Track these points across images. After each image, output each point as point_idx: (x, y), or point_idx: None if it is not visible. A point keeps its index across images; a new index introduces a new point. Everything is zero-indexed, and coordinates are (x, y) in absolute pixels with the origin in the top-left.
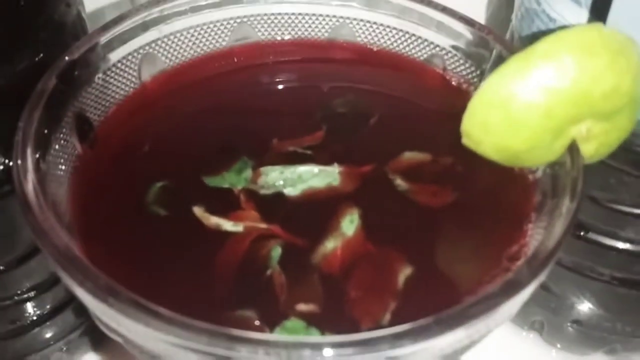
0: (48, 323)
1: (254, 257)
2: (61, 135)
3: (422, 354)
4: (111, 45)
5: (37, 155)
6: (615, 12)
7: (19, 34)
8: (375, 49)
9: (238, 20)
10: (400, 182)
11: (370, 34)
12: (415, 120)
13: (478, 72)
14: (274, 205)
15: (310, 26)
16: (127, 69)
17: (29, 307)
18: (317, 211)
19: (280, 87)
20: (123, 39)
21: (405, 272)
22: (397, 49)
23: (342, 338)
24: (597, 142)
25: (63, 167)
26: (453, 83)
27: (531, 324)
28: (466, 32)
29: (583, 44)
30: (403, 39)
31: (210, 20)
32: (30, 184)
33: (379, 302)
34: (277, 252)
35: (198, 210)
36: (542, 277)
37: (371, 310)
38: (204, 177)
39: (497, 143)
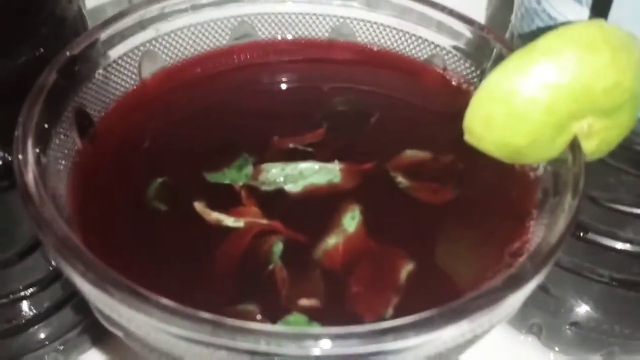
0: (44, 322)
1: (256, 253)
2: (61, 130)
3: (425, 347)
4: (112, 42)
5: (38, 150)
6: (616, 9)
7: (20, 28)
8: (375, 48)
9: (238, 19)
10: (401, 180)
11: (370, 34)
12: (415, 119)
13: (478, 71)
14: (275, 202)
15: (310, 26)
16: (127, 66)
17: (26, 305)
18: (318, 207)
19: (281, 85)
20: (123, 35)
21: (407, 268)
22: (397, 48)
23: (346, 330)
24: (598, 138)
25: (63, 162)
26: (453, 83)
27: (529, 327)
28: (466, 31)
29: (584, 40)
30: (403, 38)
31: (211, 19)
32: (30, 175)
33: (381, 297)
34: (278, 247)
35: (199, 206)
36: (544, 273)
37: (373, 305)
38: (205, 173)
39: (499, 138)
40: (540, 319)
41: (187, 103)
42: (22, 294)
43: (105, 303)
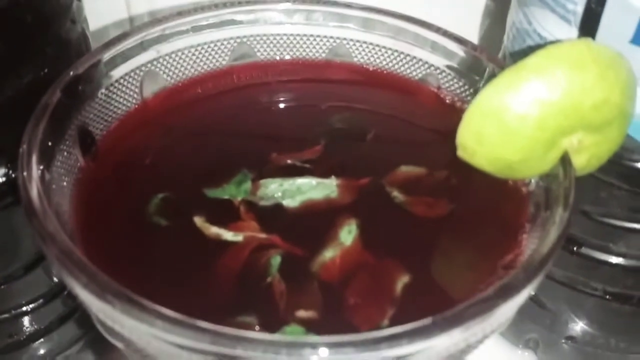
0: (45, 338)
1: (254, 266)
2: (65, 148)
3: (420, 356)
4: (114, 62)
5: (42, 167)
6: (603, 29)
7: (26, 48)
8: (371, 68)
9: (238, 40)
10: (397, 194)
11: (366, 54)
12: (410, 137)
13: (471, 90)
14: (273, 216)
15: (308, 47)
16: (129, 85)
17: (27, 321)
18: (316, 222)
19: (279, 104)
20: (125, 56)
21: (402, 280)
22: (392, 68)
23: (342, 338)
24: (588, 153)
25: (66, 179)
26: (447, 101)
27: (526, 342)
28: (460, 51)
29: (573, 58)
30: (398, 59)
31: (211, 40)
32: (35, 191)
33: (377, 309)
34: (276, 260)
35: (198, 220)
36: (536, 283)
37: (370, 316)
38: (204, 189)
39: (491, 154)
40: (536, 333)
41: (188, 121)
42: (24, 309)
43: (107, 314)
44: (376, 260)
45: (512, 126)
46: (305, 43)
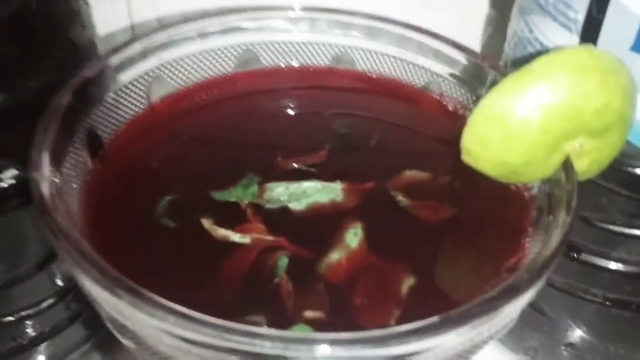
0: (49, 342)
1: (262, 267)
2: (74, 150)
3: (428, 354)
4: (122, 67)
5: (52, 168)
6: (604, 38)
7: (37, 52)
8: (374, 75)
9: (243, 47)
10: (401, 198)
11: (369, 62)
12: (414, 142)
13: (474, 97)
14: (280, 219)
15: (312, 54)
16: (136, 90)
17: (31, 324)
18: (322, 225)
19: (284, 110)
20: (133, 61)
21: (408, 282)
22: (395, 76)
23: (351, 335)
24: (589, 158)
25: (75, 181)
26: (450, 108)
27: (525, 350)
28: (462, 59)
29: (575, 63)
30: (402, 66)
31: (217, 46)
32: (47, 189)
33: (384, 310)
34: (284, 262)
35: (206, 222)
36: (539, 284)
37: (376, 317)
38: (211, 192)
39: (495, 158)
40: (535, 340)
41: (194, 126)
42: (28, 312)
43: (119, 310)
44: (381, 263)
45: (516, 130)
46: (309, 50)
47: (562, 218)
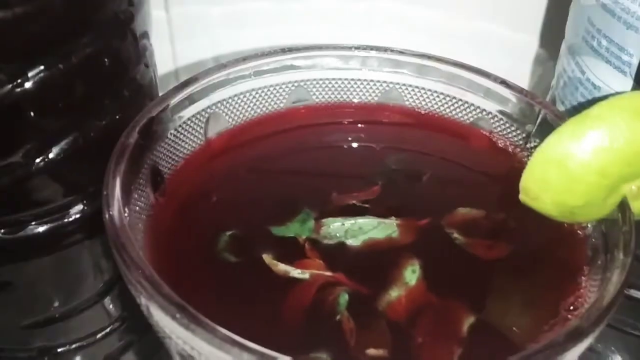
0: None
1: (322, 303)
2: (139, 186)
3: None
4: (183, 105)
5: (123, 204)
6: None
7: (105, 92)
8: (422, 112)
9: (296, 84)
10: (457, 236)
11: (418, 98)
12: (465, 178)
13: (523, 135)
14: (337, 255)
15: (361, 90)
16: (194, 126)
17: (84, 353)
18: (378, 261)
19: (335, 144)
20: (193, 99)
21: (468, 321)
22: (444, 112)
23: None
24: None
25: (139, 215)
26: (500, 145)
27: None
28: (512, 97)
29: (634, 108)
30: (450, 103)
31: (271, 84)
32: (120, 226)
33: (445, 348)
34: (344, 298)
35: (267, 258)
36: (602, 327)
37: (438, 356)
38: (269, 227)
39: (554, 199)
40: None
41: (249, 161)
42: (82, 342)
43: (187, 340)
44: (440, 301)
45: (575, 173)
46: (359, 87)
47: (621, 259)
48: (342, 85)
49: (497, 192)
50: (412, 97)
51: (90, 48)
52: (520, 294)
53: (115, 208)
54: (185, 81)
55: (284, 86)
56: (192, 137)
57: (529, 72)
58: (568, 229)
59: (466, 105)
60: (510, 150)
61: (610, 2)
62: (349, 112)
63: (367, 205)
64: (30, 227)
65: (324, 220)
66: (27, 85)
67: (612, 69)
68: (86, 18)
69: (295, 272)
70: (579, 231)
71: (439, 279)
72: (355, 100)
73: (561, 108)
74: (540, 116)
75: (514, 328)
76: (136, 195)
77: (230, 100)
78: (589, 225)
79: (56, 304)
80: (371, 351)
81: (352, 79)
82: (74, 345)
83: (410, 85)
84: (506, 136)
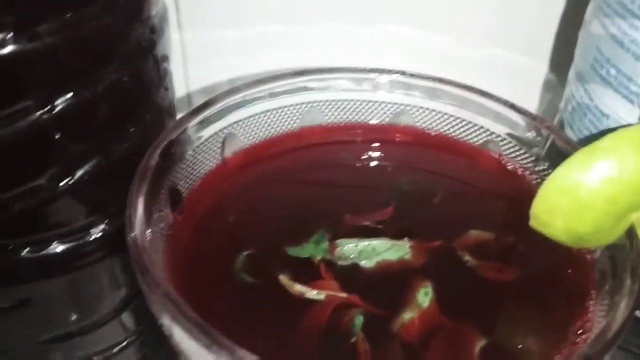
0: None
1: (338, 324)
2: (159, 207)
3: None
4: (201, 126)
5: (145, 226)
6: None
7: (129, 116)
8: (433, 133)
9: (309, 105)
10: (468, 258)
11: (428, 120)
12: (475, 200)
13: (532, 158)
14: (351, 276)
15: (372, 111)
16: (211, 147)
17: None
18: (392, 282)
19: (347, 164)
20: (210, 120)
21: (479, 343)
22: (453, 134)
23: None
24: None
25: (160, 236)
26: (508, 167)
27: None
28: (521, 121)
29: None
30: (460, 125)
31: (285, 105)
32: (143, 247)
33: None
34: (359, 320)
35: (284, 279)
36: (610, 353)
37: None
38: (285, 247)
39: (564, 225)
40: None
41: (264, 181)
42: (99, 357)
43: (201, 356)
44: (452, 323)
45: (585, 201)
46: (370, 108)
47: (628, 285)
48: (354, 107)
49: (506, 214)
50: (422, 119)
51: (115, 75)
52: (529, 317)
53: (138, 229)
54: (203, 103)
55: (297, 107)
56: (209, 158)
57: (538, 96)
58: (576, 253)
59: (476, 127)
60: (519, 172)
61: (619, 33)
62: (360, 133)
63: (380, 227)
64: (53, 246)
65: (338, 241)
66: (55, 111)
67: (621, 98)
68: (112, 47)
69: (311, 293)
70: (587, 255)
71: (450, 302)
72: (367, 121)
73: (569, 132)
74: (549, 140)
75: (524, 351)
76: (156, 216)
77: (245, 121)
78: (597, 250)
79: (75, 319)
80: None
81: (364, 100)
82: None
83: (421, 107)
84: (515, 159)
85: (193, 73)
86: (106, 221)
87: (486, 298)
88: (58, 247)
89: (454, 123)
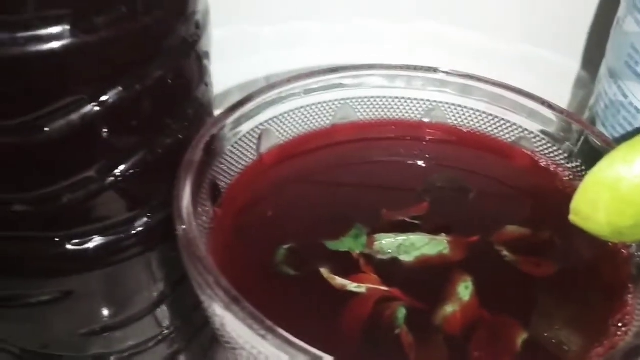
0: None
1: (380, 317)
2: (201, 201)
3: None
4: (239, 122)
5: (192, 219)
6: None
7: (172, 111)
8: (465, 130)
9: (342, 102)
10: (506, 253)
11: (460, 117)
12: (508, 196)
13: (565, 154)
14: (391, 270)
15: (405, 108)
16: (248, 142)
17: None
18: (432, 276)
19: (380, 160)
20: (249, 116)
21: (522, 337)
22: (486, 131)
23: None
24: None
25: (202, 230)
26: (542, 164)
27: None
28: (554, 118)
29: None
30: (493, 122)
31: (319, 101)
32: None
33: None
34: (402, 313)
35: (325, 272)
36: None
37: None
38: (324, 241)
39: (605, 220)
40: None
41: (299, 176)
42: (133, 351)
43: (261, 351)
44: (492, 316)
45: (626, 195)
46: (402, 105)
47: None
48: (387, 103)
49: (541, 210)
50: (455, 116)
51: (161, 69)
52: (570, 311)
53: (187, 221)
54: (241, 100)
55: (330, 104)
56: (246, 153)
57: (569, 93)
58: (612, 248)
59: (508, 124)
60: (552, 169)
61: None
62: (392, 129)
63: (417, 222)
64: (97, 238)
65: (376, 236)
66: (106, 104)
67: None
68: (160, 41)
69: (352, 286)
70: (622, 249)
71: (490, 295)
72: (399, 118)
73: (602, 130)
74: (583, 137)
75: (564, 344)
76: (200, 210)
77: (281, 117)
78: (633, 245)
79: (113, 312)
80: None
81: (397, 97)
82: (127, 353)
83: (453, 104)
84: (548, 155)
85: (230, 69)
86: (149, 215)
87: (525, 292)
88: (102, 240)
89: (486, 120)
